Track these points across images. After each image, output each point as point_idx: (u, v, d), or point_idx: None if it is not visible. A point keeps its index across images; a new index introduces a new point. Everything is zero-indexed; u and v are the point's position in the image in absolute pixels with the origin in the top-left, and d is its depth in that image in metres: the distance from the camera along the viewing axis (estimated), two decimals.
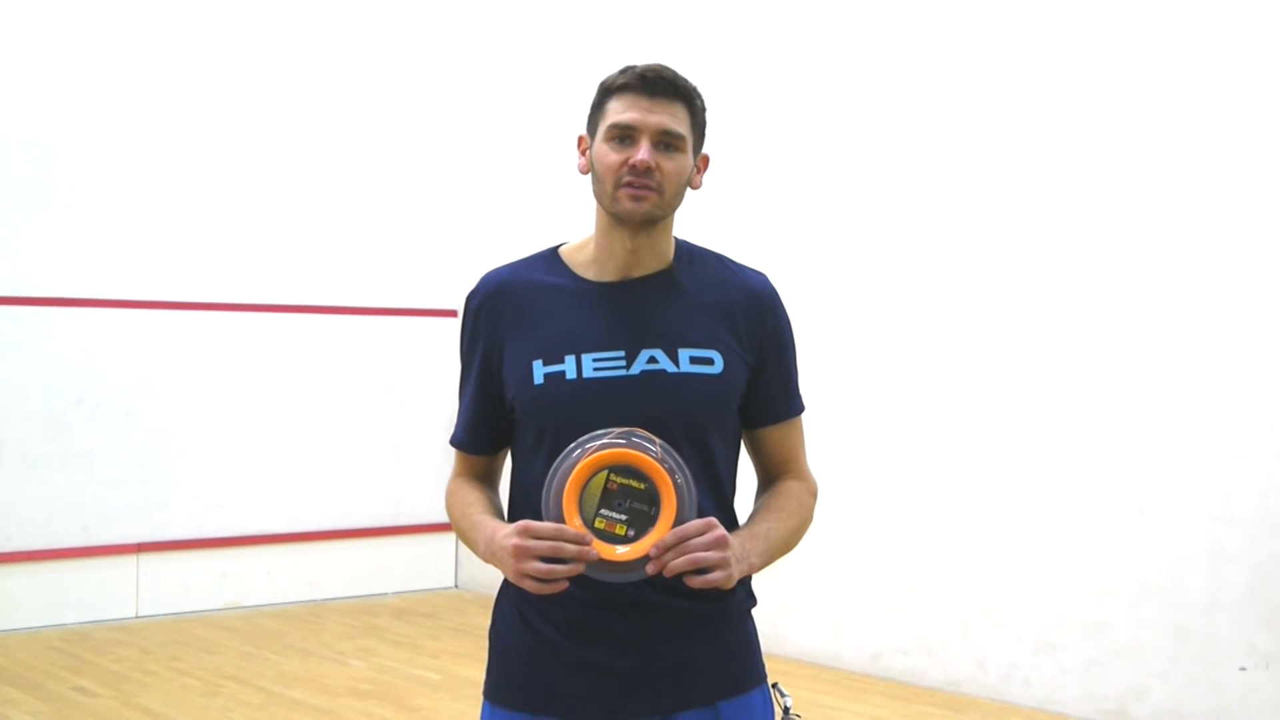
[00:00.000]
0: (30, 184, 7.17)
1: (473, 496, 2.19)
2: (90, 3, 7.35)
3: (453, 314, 8.32)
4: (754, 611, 2.21)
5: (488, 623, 2.24)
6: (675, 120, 2.06)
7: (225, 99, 7.78)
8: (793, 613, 6.48)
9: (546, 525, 1.92)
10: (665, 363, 2.08)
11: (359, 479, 8.20)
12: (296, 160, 8.03)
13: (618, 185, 2.05)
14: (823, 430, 5.41)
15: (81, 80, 7.31)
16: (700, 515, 1.95)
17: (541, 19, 8.19)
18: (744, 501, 2.16)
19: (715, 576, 1.92)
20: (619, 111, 2.06)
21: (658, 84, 2.06)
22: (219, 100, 7.75)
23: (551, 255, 2.21)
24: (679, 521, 1.91)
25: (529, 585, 1.93)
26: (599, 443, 1.93)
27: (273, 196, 7.94)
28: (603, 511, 1.91)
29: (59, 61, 7.25)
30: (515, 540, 1.93)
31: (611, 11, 7.70)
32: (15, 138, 7.14)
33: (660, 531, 1.90)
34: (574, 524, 1.90)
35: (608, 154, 2.06)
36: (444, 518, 7.17)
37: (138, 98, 7.49)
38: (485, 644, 2.23)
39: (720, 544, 1.93)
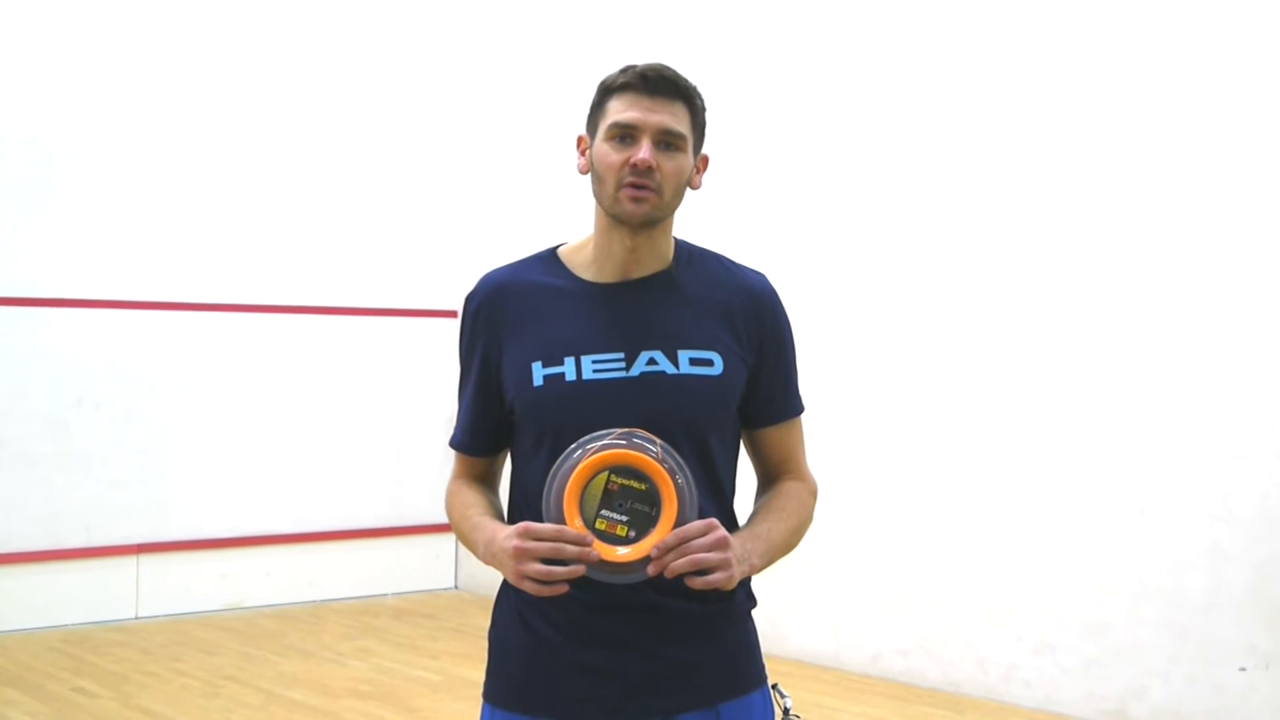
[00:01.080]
0: (30, 184, 7.17)
1: (472, 498, 2.19)
2: (90, 3, 7.35)
3: (453, 314, 8.32)
4: (754, 612, 2.21)
5: (488, 624, 2.24)
6: (676, 120, 2.06)
7: (225, 100, 7.77)
8: (793, 613, 6.47)
9: (547, 527, 1.91)
10: (665, 364, 2.08)
11: (359, 479, 8.20)
12: (297, 161, 8.03)
13: (619, 185, 2.05)
14: (823, 431, 5.41)
15: (81, 80, 7.31)
16: (701, 516, 1.95)
17: (541, 19, 8.18)
18: (744, 502, 2.15)
19: (716, 577, 1.92)
20: (620, 111, 2.05)
21: (658, 83, 2.05)
22: (219, 101, 7.75)
23: (550, 256, 2.21)
24: (680, 522, 1.91)
25: (529, 587, 1.93)
26: (600, 444, 1.93)
27: (273, 197, 7.94)
28: (603, 512, 1.91)
29: (59, 61, 7.25)
30: (515, 542, 1.93)
31: (611, 11, 7.70)
32: (15, 138, 7.14)
33: (661, 532, 1.90)
34: (575, 525, 1.90)
35: (608, 154, 2.06)
36: (444, 518, 7.13)
37: (138, 98, 7.49)
38: (485, 645, 2.23)
39: (721, 545, 1.92)
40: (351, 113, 8.23)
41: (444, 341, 8.28)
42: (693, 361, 2.09)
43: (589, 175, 2.12)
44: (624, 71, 2.08)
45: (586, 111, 2.14)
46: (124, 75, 7.44)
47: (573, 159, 2.19)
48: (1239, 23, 5.23)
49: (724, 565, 1.92)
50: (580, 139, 2.15)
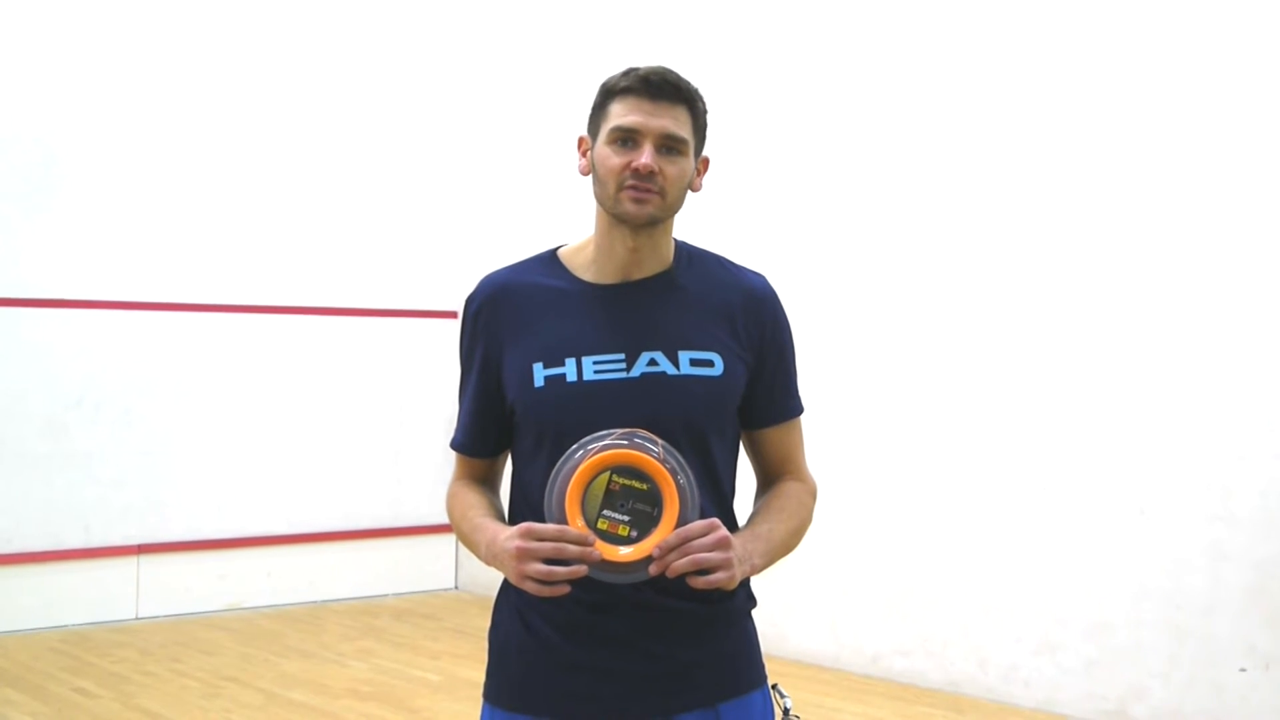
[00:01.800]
0: (30, 184, 7.17)
1: (473, 499, 2.19)
2: (90, 3, 7.36)
3: (453, 315, 8.32)
4: (754, 612, 2.21)
5: (488, 624, 2.24)
6: (678, 124, 2.06)
7: (226, 100, 7.78)
8: (793, 614, 6.48)
9: (549, 527, 1.92)
10: (665, 365, 2.08)
11: (359, 480, 8.20)
12: (297, 161, 8.03)
13: (620, 188, 2.05)
14: (822, 431, 5.42)
15: (81, 80, 7.32)
16: (702, 516, 1.95)
17: (541, 19, 8.18)
18: (743, 503, 2.16)
19: (718, 577, 1.92)
20: (622, 114, 2.05)
21: (661, 87, 2.05)
22: (219, 101, 7.75)
23: (550, 257, 2.21)
24: (681, 522, 1.91)
25: (530, 587, 1.93)
26: (601, 444, 1.93)
27: (273, 197, 7.94)
28: (605, 512, 1.91)
29: (59, 62, 7.25)
30: (518, 542, 1.93)
31: (611, 12, 7.70)
32: (15, 138, 7.14)
33: (663, 532, 1.90)
34: (577, 525, 1.90)
35: (610, 157, 2.06)
36: (444, 519, 7.16)
37: (138, 98, 7.49)
38: (485, 645, 2.23)
39: (723, 545, 1.93)
40: (352, 114, 8.24)
41: (444, 341, 8.28)
42: (693, 362, 2.09)
43: (589, 176, 2.12)
44: (626, 74, 2.08)
45: (587, 112, 2.14)
46: (124, 75, 7.45)
47: (573, 160, 2.19)
48: (1239, 23, 5.23)
49: (725, 565, 1.93)
50: (581, 140, 2.14)
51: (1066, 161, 5.73)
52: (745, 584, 2.16)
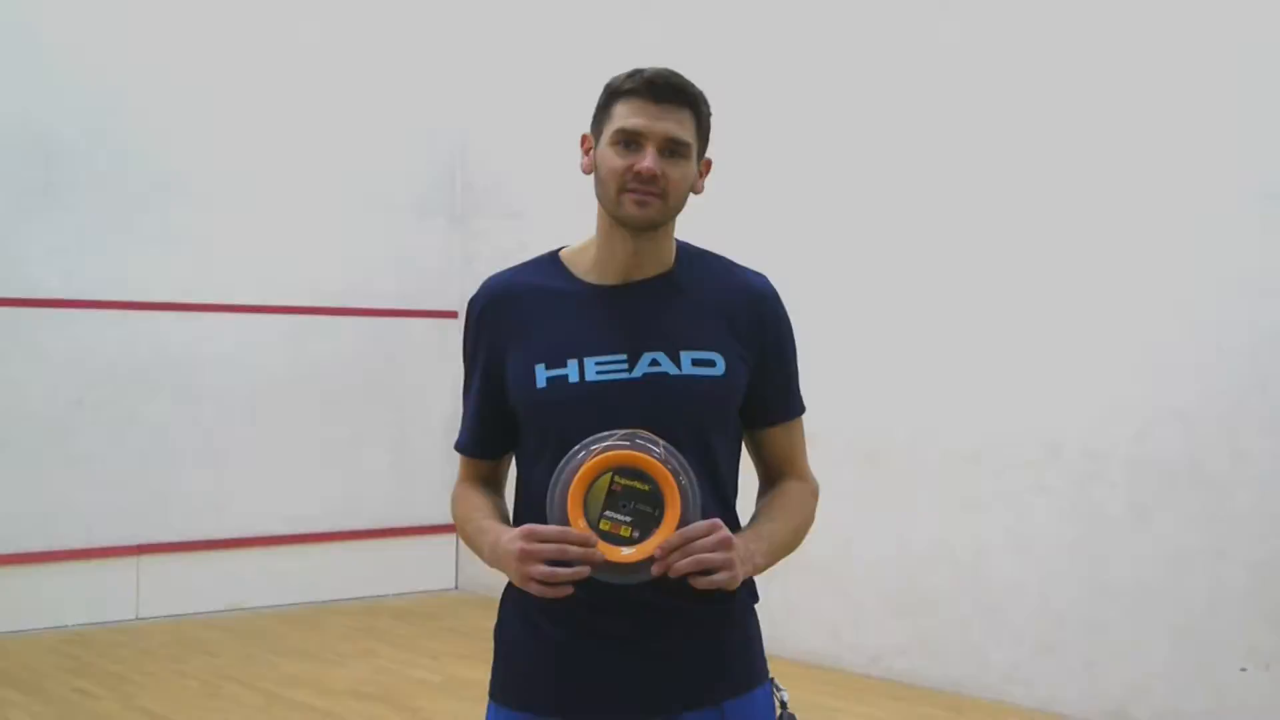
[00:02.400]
0: (30, 184, 7.17)
1: (477, 501, 2.19)
2: (90, 3, 7.35)
3: (453, 315, 8.33)
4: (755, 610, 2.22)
5: (488, 624, 2.24)
6: (681, 127, 2.06)
7: (225, 100, 7.77)
8: (794, 614, 6.47)
9: (551, 528, 1.92)
10: (667, 365, 2.08)
11: (359, 480, 8.20)
12: (297, 160, 8.02)
13: (622, 191, 2.05)
14: (823, 431, 5.40)
15: (81, 80, 7.31)
16: (704, 517, 1.96)
17: (543, 19, 8.18)
18: (745, 503, 2.16)
19: (720, 578, 1.93)
20: (625, 116, 2.05)
21: (666, 90, 2.05)
22: (219, 100, 7.75)
23: (552, 259, 2.21)
24: (684, 522, 1.91)
25: (534, 589, 1.93)
26: (603, 445, 1.93)
27: (273, 197, 7.94)
28: (607, 513, 1.91)
29: (59, 62, 7.24)
30: (520, 544, 1.93)
31: (613, 12, 7.70)
32: (15, 138, 7.13)
33: (665, 533, 1.90)
34: (579, 526, 1.91)
35: (613, 158, 2.06)
36: (445, 519, 7.17)
37: (137, 98, 7.48)
38: (487, 645, 2.24)
39: (725, 545, 1.93)
40: (352, 113, 8.23)
41: (444, 341, 8.29)
42: (695, 362, 2.09)
43: (592, 176, 2.12)
44: (632, 76, 2.07)
45: (589, 111, 2.14)
46: (123, 75, 7.44)
47: (575, 160, 2.20)
48: (1237, 23, 5.24)
49: (728, 565, 1.93)
50: (585, 138, 2.14)
51: (1066, 164, 5.73)
52: (748, 581, 2.15)
